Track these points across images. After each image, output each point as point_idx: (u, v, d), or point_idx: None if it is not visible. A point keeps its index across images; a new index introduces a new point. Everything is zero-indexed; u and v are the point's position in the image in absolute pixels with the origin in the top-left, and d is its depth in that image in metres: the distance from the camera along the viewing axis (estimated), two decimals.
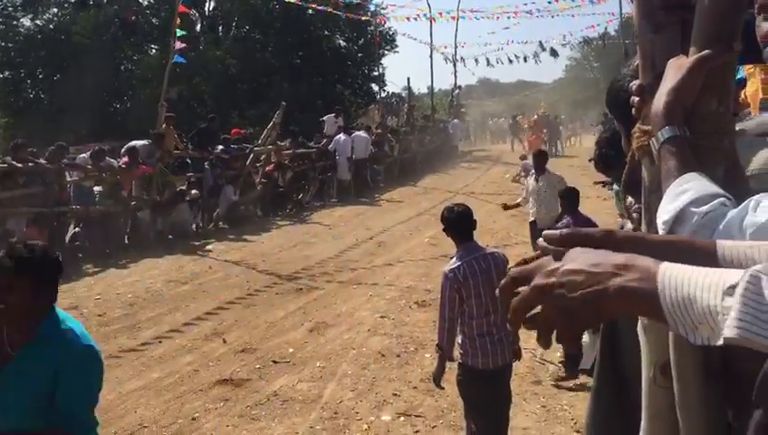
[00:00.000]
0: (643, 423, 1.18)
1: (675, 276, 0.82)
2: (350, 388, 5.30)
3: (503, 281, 0.96)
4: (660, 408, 1.13)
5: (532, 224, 8.22)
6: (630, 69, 1.48)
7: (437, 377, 3.77)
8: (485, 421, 3.68)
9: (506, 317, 0.94)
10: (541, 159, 8.60)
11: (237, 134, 15.49)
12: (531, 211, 8.31)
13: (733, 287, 0.76)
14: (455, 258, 3.73)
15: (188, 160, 13.57)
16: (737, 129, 1.18)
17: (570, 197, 6.22)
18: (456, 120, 29.39)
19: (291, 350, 6.18)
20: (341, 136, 17.26)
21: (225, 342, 6.42)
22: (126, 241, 11.14)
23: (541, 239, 0.97)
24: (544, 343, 0.92)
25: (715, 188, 1.04)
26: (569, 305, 0.88)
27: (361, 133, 18.14)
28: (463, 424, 3.94)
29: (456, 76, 31.62)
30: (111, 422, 4.73)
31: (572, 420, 4.63)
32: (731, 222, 0.98)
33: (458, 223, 3.76)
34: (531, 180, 8.43)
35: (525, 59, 31.82)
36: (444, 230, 3.86)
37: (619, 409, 1.45)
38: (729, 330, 0.75)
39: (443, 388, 3.93)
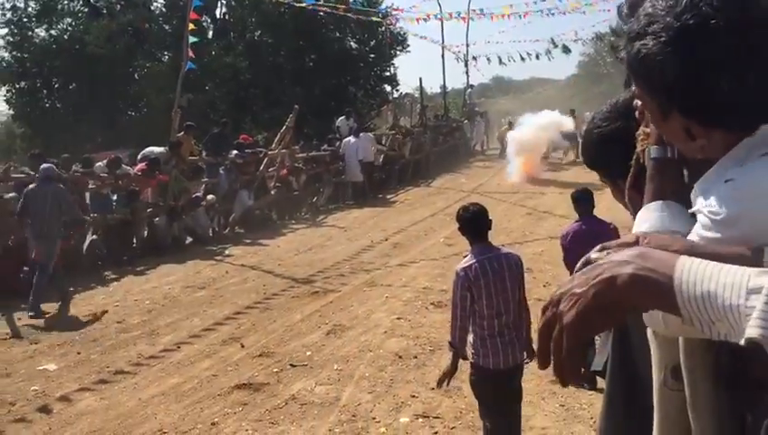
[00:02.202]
0: (655, 426, 1.18)
1: (694, 271, 0.82)
2: (367, 390, 5.31)
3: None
4: (671, 411, 1.13)
5: None
6: (605, 110, 1.49)
7: (448, 374, 3.77)
8: (498, 420, 3.71)
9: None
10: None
11: (246, 140, 15.56)
12: None
13: (759, 287, 0.76)
14: (468, 257, 3.73)
15: (203, 166, 13.67)
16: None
17: (582, 199, 5.56)
18: (479, 119, 29.19)
19: (308, 353, 6.20)
20: (351, 138, 17.20)
21: (242, 346, 6.45)
22: (143, 248, 11.22)
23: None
24: (542, 363, 0.93)
25: (672, 225, 1.06)
26: (579, 303, 0.88)
27: (367, 135, 17.99)
28: (480, 424, 3.94)
29: (468, 75, 31.49)
30: (132, 428, 4.78)
31: (591, 418, 4.61)
32: None
33: (473, 222, 3.76)
34: None
35: (537, 56, 31.69)
36: (459, 229, 3.87)
37: (631, 412, 1.44)
38: (753, 330, 0.75)
39: (449, 385, 3.94)
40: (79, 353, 6.46)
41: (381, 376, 5.59)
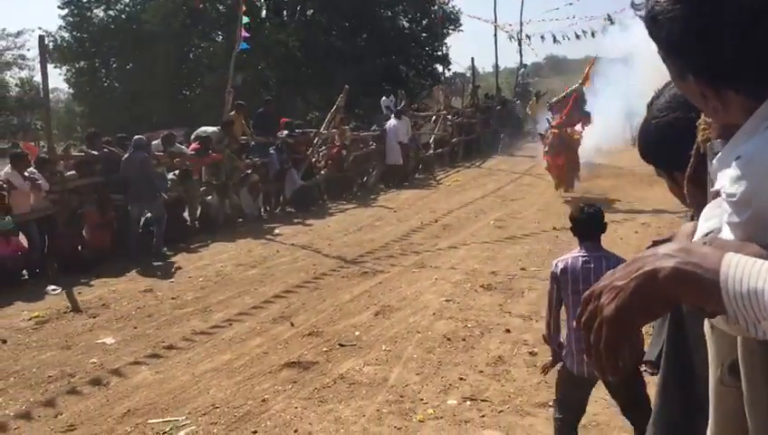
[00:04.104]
0: (710, 424, 1.15)
1: (741, 267, 0.80)
2: (415, 371, 5.33)
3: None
4: (728, 408, 1.10)
5: None
6: (664, 99, 1.43)
7: (547, 366, 3.79)
8: (564, 416, 3.71)
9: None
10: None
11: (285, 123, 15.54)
12: None
13: None
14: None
15: (252, 144, 13.82)
16: None
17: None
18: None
19: (357, 333, 6.25)
20: (392, 120, 16.98)
21: (292, 325, 6.54)
22: (197, 225, 11.43)
23: None
24: (588, 356, 0.91)
25: None
26: (619, 296, 0.87)
27: (406, 118, 17.62)
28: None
29: (521, 54, 31.00)
30: (186, 402, 4.90)
31: None
32: None
33: (585, 224, 3.67)
34: None
35: (593, 34, 30.92)
36: (571, 229, 3.78)
37: (686, 406, 1.41)
38: None
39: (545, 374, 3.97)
40: (135, 328, 6.65)
41: (429, 358, 5.60)
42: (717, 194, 1.00)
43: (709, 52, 0.94)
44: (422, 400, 4.83)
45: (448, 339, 6.01)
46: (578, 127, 13.36)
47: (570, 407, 3.72)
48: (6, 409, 4.92)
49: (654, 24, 0.99)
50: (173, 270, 8.99)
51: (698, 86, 0.99)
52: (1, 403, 5.02)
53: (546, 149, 13.28)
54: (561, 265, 3.56)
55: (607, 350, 0.88)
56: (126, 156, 9.93)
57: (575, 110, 13.33)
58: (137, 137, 10.48)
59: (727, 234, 0.95)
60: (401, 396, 4.90)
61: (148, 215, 10.43)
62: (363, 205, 13.93)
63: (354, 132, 16.25)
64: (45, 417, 4.78)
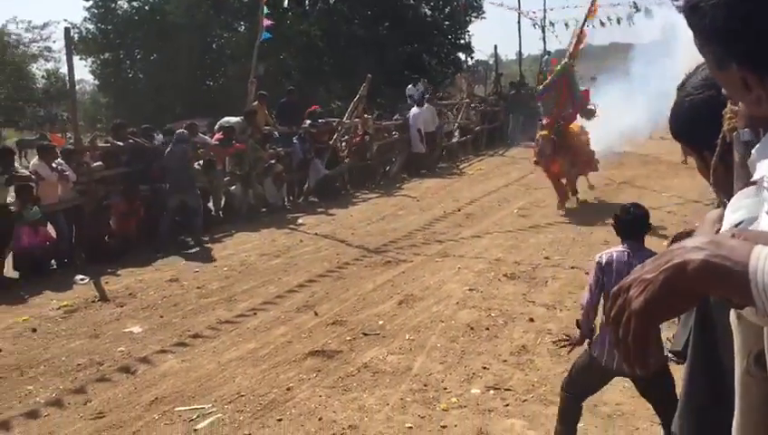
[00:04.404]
0: (736, 413, 1.15)
1: None
2: (439, 361, 5.35)
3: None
4: (754, 399, 1.10)
5: None
6: (699, 78, 1.41)
7: (571, 343, 3.80)
8: (575, 393, 3.75)
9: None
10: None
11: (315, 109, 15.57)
12: None
13: None
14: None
15: (276, 134, 13.87)
16: None
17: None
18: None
19: (380, 322, 6.28)
20: (415, 109, 16.93)
21: (316, 314, 6.58)
22: (221, 215, 11.52)
23: None
24: (618, 349, 0.91)
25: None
26: (648, 289, 0.87)
27: (429, 106, 17.53)
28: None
29: (545, 42, 30.68)
30: (212, 390, 4.96)
31: None
32: None
33: (630, 225, 3.64)
34: None
35: (618, 21, 30.49)
36: (614, 227, 3.75)
37: (712, 396, 1.41)
38: None
39: (568, 352, 4.00)
40: (161, 317, 6.74)
41: (453, 347, 5.61)
42: (746, 184, 0.99)
43: (755, 37, 0.92)
44: (446, 389, 4.85)
45: (472, 328, 6.01)
46: (579, 120, 11.39)
47: (584, 389, 3.76)
48: (37, 396, 5.02)
49: (694, 11, 0.98)
50: (199, 259, 9.08)
51: (741, 74, 0.97)
52: (32, 391, 5.12)
53: (535, 157, 11.14)
54: (605, 257, 3.56)
55: (635, 343, 0.88)
56: (168, 149, 10.29)
57: (569, 97, 11.05)
58: (179, 131, 11.03)
59: (766, 224, 0.95)
60: (425, 385, 4.92)
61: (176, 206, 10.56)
62: (386, 194, 13.94)
63: (377, 122, 16.24)
64: (75, 404, 4.87)
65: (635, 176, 13.91)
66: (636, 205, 3.77)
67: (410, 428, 4.30)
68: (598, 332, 3.62)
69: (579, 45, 11.32)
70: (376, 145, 15.56)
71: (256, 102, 13.27)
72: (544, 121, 10.99)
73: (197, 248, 9.71)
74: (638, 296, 0.88)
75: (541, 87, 11.43)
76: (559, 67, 11.16)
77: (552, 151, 10.56)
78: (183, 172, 10.21)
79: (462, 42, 32.64)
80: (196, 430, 4.40)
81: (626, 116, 13.63)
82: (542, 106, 11.36)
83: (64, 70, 30.87)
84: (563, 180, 11.20)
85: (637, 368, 0.91)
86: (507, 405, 4.53)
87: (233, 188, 11.93)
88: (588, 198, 11.80)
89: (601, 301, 3.58)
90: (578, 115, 11.31)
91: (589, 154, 11.55)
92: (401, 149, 16.64)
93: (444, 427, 4.31)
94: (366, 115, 15.47)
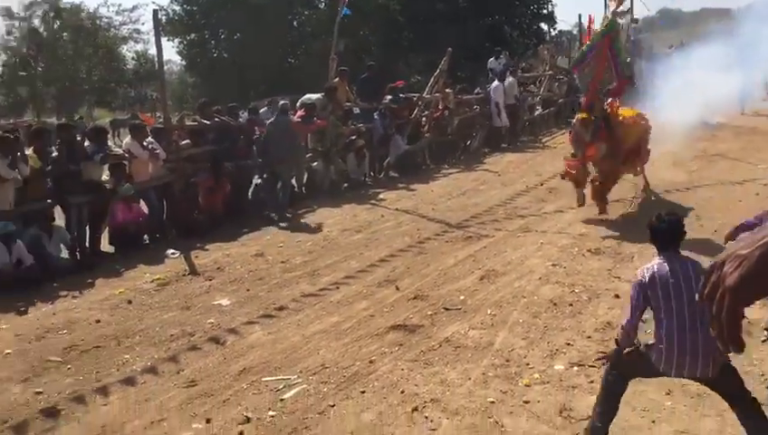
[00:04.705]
0: None
1: None
2: (521, 336, 5.31)
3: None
4: None
5: None
6: None
7: (606, 358, 3.77)
8: (621, 376, 3.63)
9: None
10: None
11: (399, 85, 15.55)
12: None
13: None
14: (652, 261, 3.51)
15: (356, 110, 13.94)
16: None
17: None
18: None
19: (461, 297, 6.27)
20: (495, 82, 16.77)
21: (398, 289, 6.63)
22: (303, 191, 11.71)
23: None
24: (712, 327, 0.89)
25: None
26: (743, 265, 0.84)
27: (510, 79, 17.24)
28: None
29: (632, 9, 29.50)
30: (297, 362, 5.09)
31: (762, 375, 4.36)
32: None
33: (665, 233, 3.53)
34: None
35: None
36: (650, 235, 3.62)
37: None
38: None
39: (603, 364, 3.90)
40: (248, 290, 6.94)
41: (535, 323, 5.56)
42: None
43: None
44: (528, 364, 4.81)
45: (555, 304, 5.93)
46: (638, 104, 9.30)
47: (632, 376, 3.65)
48: (134, 365, 5.28)
49: None
50: (283, 235, 9.27)
51: None
52: (128, 359, 5.38)
53: (573, 150, 8.93)
54: (648, 274, 3.41)
55: (729, 318, 0.86)
56: (271, 120, 10.84)
57: (612, 64, 8.72)
58: (282, 102, 11.67)
59: None
60: (507, 360, 4.90)
61: (258, 181, 10.79)
62: (467, 169, 13.83)
63: (457, 96, 16.09)
64: (169, 372, 5.09)
65: (728, 149, 13.30)
66: (670, 212, 3.62)
67: (492, 402, 4.30)
68: (657, 338, 3.43)
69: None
70: (456, 120, 15.44)
71: (337, 79, 13.36)
72: (583, 98, 9.20)
73: (282, 224, 9.90)
74: (733, 272, 0.85)
75: (578, 53, 9.14)
76: (600, 28, 8.65)
77: (592, 138, 8.55)
78: (287, 143, 10.56)
79: (544, 12, 31.85)
80: (282, 399, 4.53)
81: (717, 87, 12.88)
82: (577, 79, 9.43)
83: (153, 51, 32.03)
84: (590, 177, 9.05)
85: (730, 346, 0.88)
86: (592, 382, 4.45)
87: (315, 164, 12.10)
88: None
89: (643, 317, 3.49)
90: (624, 88, 9.23)
91: (643, 148, 9.69)
92: (482, 124, 16.45)
93: (526, 402, 4.29)
94: (447, 90, 15.34)
